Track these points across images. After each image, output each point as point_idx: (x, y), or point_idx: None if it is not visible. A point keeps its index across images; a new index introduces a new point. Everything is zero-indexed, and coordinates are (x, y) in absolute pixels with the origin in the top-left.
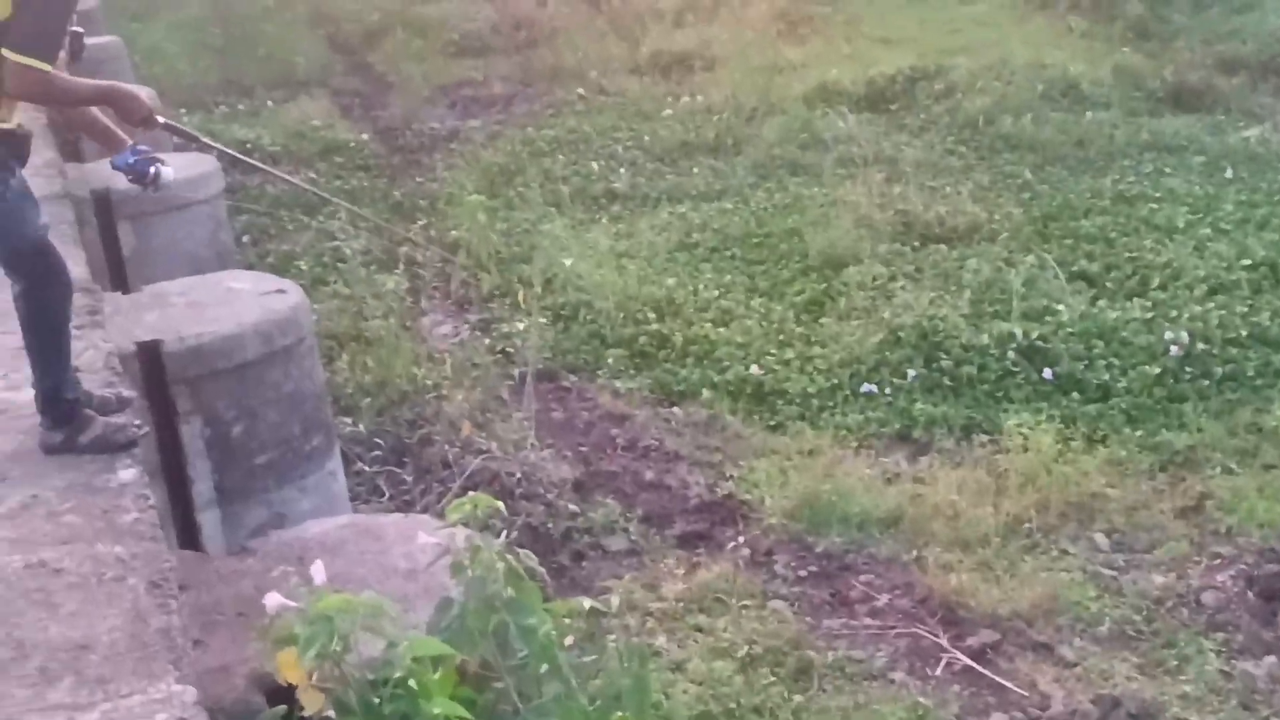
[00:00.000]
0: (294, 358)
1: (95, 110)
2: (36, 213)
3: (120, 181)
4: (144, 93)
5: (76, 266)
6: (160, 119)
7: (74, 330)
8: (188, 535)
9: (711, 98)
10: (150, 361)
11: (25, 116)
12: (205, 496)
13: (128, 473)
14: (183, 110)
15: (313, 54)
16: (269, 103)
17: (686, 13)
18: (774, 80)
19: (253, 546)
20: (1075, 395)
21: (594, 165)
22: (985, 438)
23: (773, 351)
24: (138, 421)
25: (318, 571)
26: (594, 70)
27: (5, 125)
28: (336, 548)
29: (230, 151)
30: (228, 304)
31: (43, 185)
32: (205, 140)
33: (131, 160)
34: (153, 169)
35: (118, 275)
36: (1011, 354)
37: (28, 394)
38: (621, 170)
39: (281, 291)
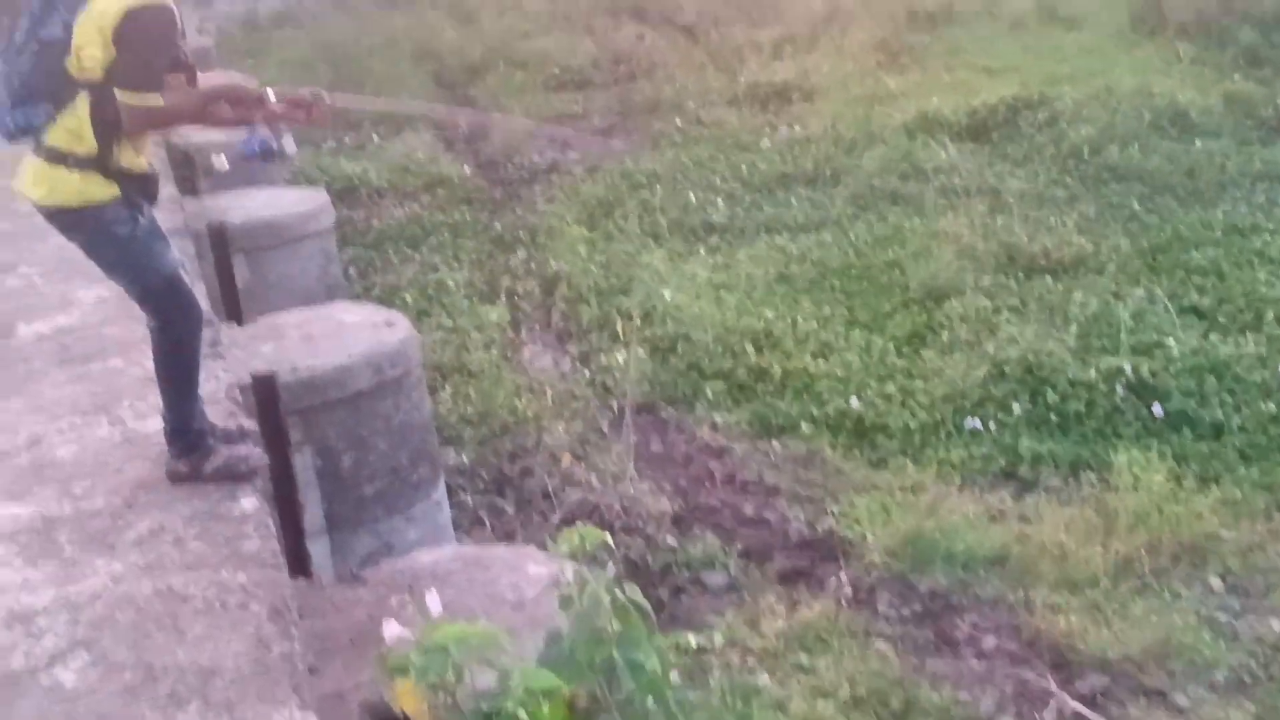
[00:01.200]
0: (403, 389)
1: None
2: (167, 249)
3: (237, 216)
4: (245, 81)
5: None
6: (271, 94)
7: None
8: (298, 563)
9: (810, 128)
10: (265, 392)
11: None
12: (315, 525)
13: (249, 501)
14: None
15: (417, 90)
16: (375, 138)
17: (785, 44)
18: (874, 110)
19: (364, 575)
20: (1187, 433)
21: (692, 197)
22: (1093, 476)
23: (873, 385)
24: (259, 451)
25: (433, 602)
26: (692, 102)
27: (137, 167)
28: (445, 577)
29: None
30: (339, 336)
31: (163, 220)
32: (322, 95)
33: (256, 144)
34: (274, 145)
35: (232, 306)
36: (1120, 390)
37: (155, 424)
38: (719, 202)
39: (391, 324)
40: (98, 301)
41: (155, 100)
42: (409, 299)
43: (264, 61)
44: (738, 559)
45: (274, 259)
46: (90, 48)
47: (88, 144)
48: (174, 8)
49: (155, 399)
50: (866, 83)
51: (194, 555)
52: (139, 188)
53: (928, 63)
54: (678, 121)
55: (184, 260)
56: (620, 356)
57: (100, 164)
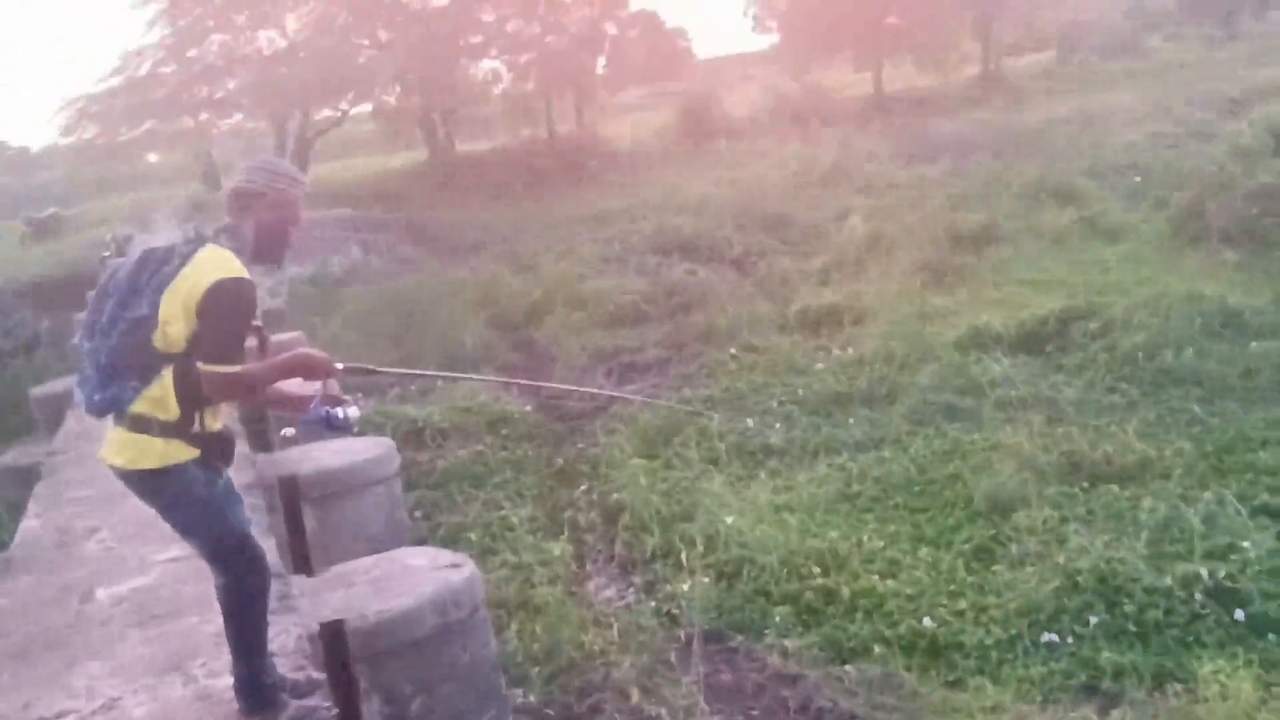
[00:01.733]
0: (468, 630)
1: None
2: (240, 508)
3: (307, 467)
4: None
5: (268, 554)
6: (339, 365)
7: (269, 617)
8: None
9: (862, 349)
10: (333, 641)
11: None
12: None
13: None
14: (359, 394)
15: (478, 334)
16: (439, 383)
17: (831, 271)
18: (924, 329)
19: None
20: (1272, 637)
21: (749, 422)
22: (1179, 686)
23: (944, 602)
24: (327, 704)
25: None
26: (745, 330)
27: (214, 429)
28: None
29: (396, 371)
30: (405, 580)
31: (236, 477)
32: (379, 369)
33: (323, 412)
34: (341, 413)
35: (301, 557)
36: (1198, 596)
37: (228, 680)
38: (777, 425)
39: (456, 565)
40: (171, 561)
41: (236, 370)
42: (474, 537)
43: (332, 317)
44: None
45: (342, 507)
46: (176, 323)
47: (171, 411)
48: (253, 281)
49: (227, 656)
50: (915, 303)
51: None
52: (217, 449)
53: (974, 281)
54: (732, 350)
55: (251, 517)
56: (685, 585)
57: (182, 429)
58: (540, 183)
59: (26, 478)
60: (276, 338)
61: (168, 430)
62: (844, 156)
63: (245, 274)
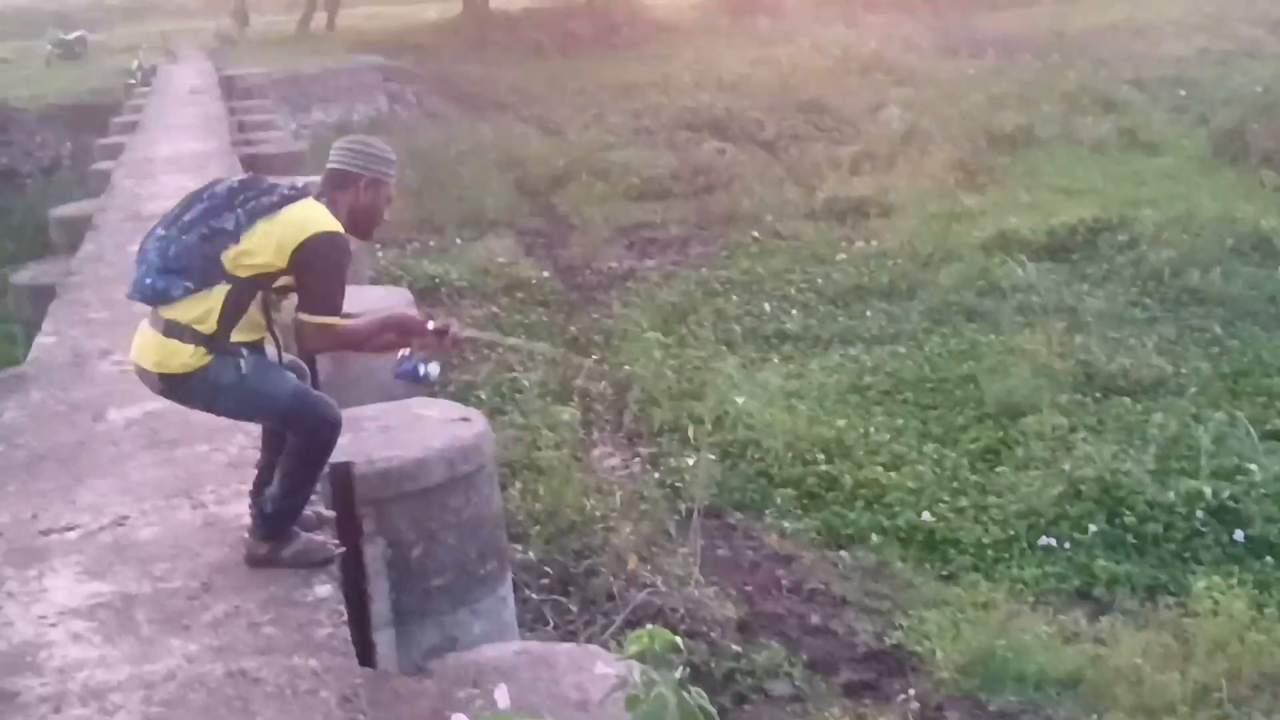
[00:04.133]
0: (474, 484)
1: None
2: (281, 375)
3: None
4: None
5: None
6: (431, 326)
7: None
8: (363, 652)
9: (886, 243)
10: (342, 482)
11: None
12: (382, 616)
13: (324, 589)
14: (378, 246)
15: (501, 196)
16: (458, 240)
17: (863, 161)
18: (951, 227)
19: (429, 667)
20: (1269, 560)
21: (766, 306)
22: (1171, 600)
23: (946, 499)
24: (335, 540)
25: (501, 696)
26: (769, 215)
27: (250, 338)
28: (510, 674)
29: (512, 342)
30: (416, 430)
31: None
32: (491, 337)
33: (410, 366)
34: (422, 370)
35: None
36: (1200, 514)
37: (235, 509)
38: (794, 312)
39: (466, 420)
40: None
41: (335, 322)
42: (483, 396)
43: None
44: (803, 669)
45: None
46: (262, 254)
47: (209, 325)
48: (347, 237)
49: (237, 484)
50: (944, 201)
51: (267, 639)
52: (247, 347)
53: (1006, 183)
54: (754, 233)
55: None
56: (690, 460)
57: (211, 341)
58: (574, 47)
59: (44, 297)
60: (301, 180)
61: (198, 339)
62: (886, 45)
63: (341, 230)
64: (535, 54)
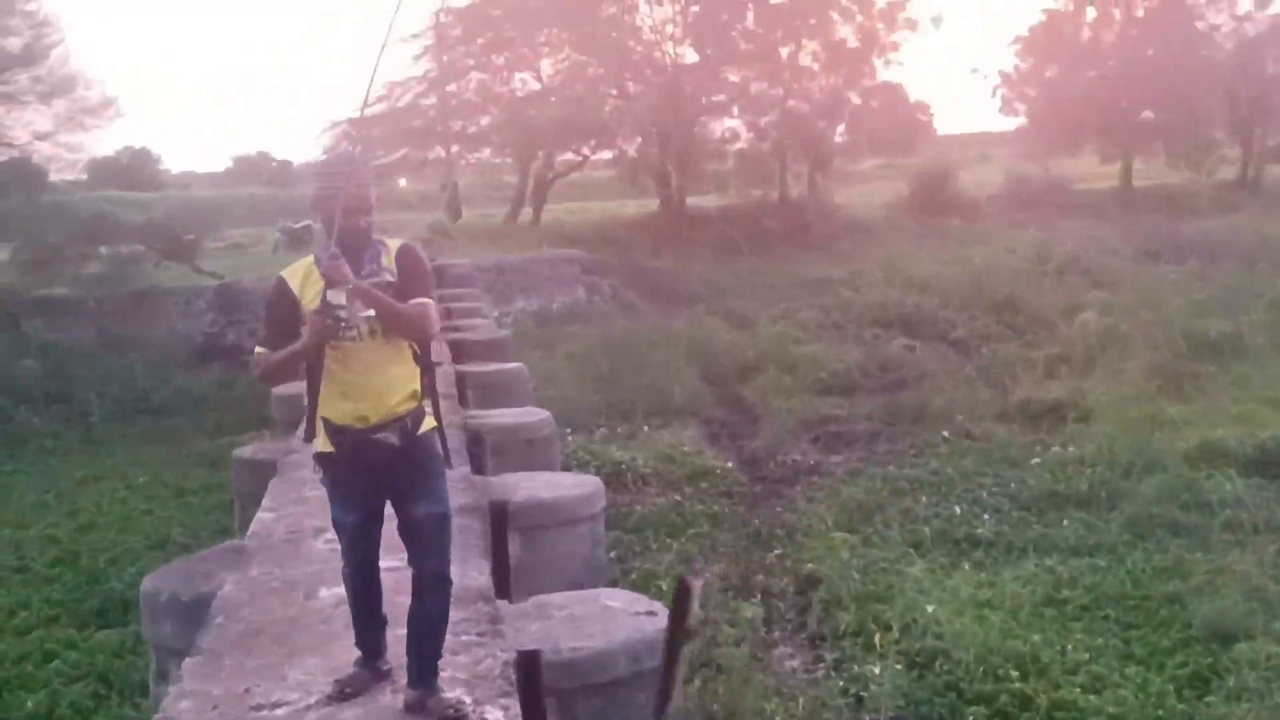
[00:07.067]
0: (657, 680)
1: None
2: (335, 507)
3: (519, 496)
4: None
5: (480, 576)
6: None
7: (476, 637)
8: None
9: (1084, 449)
10: (529, 669)
11: None
12: None
13: None
14: (567, 430)
15: (688, 386)
16: (645, 428)
17: (1059, 364)
18: (1153, 436)
19: None
20: None
21: (957, 509)
22: None
23: None
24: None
25: None
26: (960, 415)
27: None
28: None
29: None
30: (602, 620)
31: (460, 496)
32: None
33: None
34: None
35: (503, 582)
36: None
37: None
38: (986, 517)
39: (652, 614)
40: (389, 570)
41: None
42: (664, 586)
43: (550, 354)
44: None
45: (547, 539)
46: None
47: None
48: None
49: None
50: (1145, 408)
51: None
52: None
53: (1211, 392)
54: (945, 433)
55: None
56: (876, 668)
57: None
58: (765, 243)
59: (264, 472)
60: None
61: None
62: (1082, 248)
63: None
64: (728, 249)
